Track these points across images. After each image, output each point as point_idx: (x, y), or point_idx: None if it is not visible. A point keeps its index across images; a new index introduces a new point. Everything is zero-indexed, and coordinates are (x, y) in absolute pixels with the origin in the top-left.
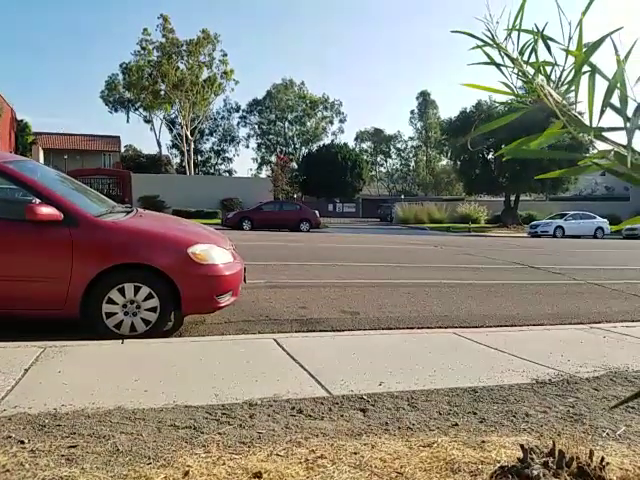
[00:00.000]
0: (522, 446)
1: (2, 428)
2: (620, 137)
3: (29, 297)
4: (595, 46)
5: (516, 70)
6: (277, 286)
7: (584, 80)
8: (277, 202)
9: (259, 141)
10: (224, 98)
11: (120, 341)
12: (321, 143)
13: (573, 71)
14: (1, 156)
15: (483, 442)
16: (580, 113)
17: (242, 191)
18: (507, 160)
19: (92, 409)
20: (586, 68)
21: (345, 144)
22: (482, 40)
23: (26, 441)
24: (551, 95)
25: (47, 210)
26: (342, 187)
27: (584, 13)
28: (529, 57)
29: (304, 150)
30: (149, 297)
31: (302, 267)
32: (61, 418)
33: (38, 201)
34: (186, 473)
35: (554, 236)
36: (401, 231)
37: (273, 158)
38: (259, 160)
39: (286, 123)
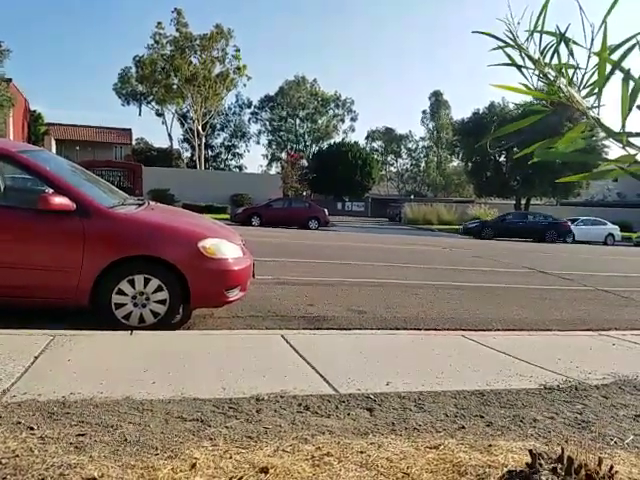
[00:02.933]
0: (531, 451)
1: (12, 414)
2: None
3: (39, 286)
4: (627, 50)
5: (537, 72)
6: (285, 283)
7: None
8: (286, 199)
9: (270, 138)
10: (236, 94)
11: (129, 332)
12: (332, 141)
13: (596, 74)
14: (15, 146)
15: (490, 446)
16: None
17: (252, 187)
18: (519, 163)
19: (100, 398)
20: (609, 69)
21: (356, 143)
22: (503, 41)
23: (35, 427)
24: (574, 98)
25: (60, 200)
26: (351, 186)
27: (608, 13)
28: (551, 59)
29: (314, 148)
30: (159, 289)
31: (310, 264)
32: (70, 406)
33: (51, 191)
34: (193, 465)
35: (564, 241)
36: (410, 232)
37: (283, 155)
38: (269, 157)
39: (297, 120)
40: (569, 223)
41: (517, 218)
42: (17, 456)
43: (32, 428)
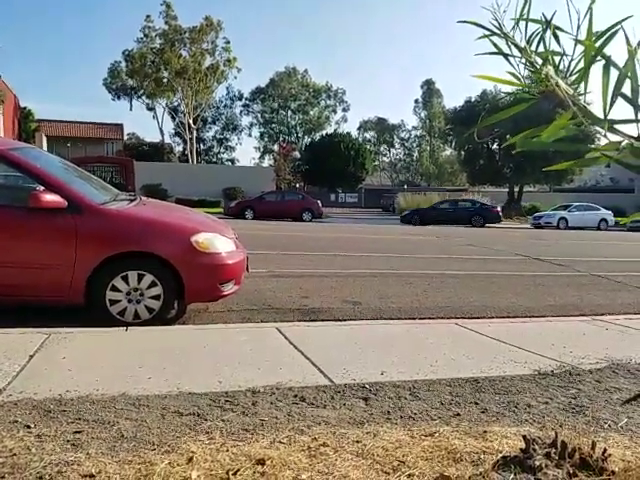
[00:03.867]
0: (524, 437)
1: (9, 413)
2: (629, 129)
3: (33, 284)
4: (608, 37)
5: (524, 60)
6: (279, 275)
7: (593, 70)
8: (279, 192)
9: (262, 130)
10: (227, 86)
11: (124, 328)
12: (324, 132)
13: (582, 61)
14: (5, 143)
15: (485, 432)
16: (587, 103)
17: (244, 180)
18: (512, 151)
19: (97, 395)
20: (597, 58)
21: (348, 133)
22: (489, 30)
23: (32, 426)
24: (559, 86)
25: (51, 197)
26: (345, 177)
27: (593, 0)
28: (537, 47)
29: (307, 139)
30: (153, 285)
31: (304, 257)
32: (66, 404)
33: (42, 188)
34: (190, 459)
35: (557, 227)
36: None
37: (276, 147)
38: (262, 149)
39: (289, 112)
40: (498, 208)
41: (448, 205)
42: (15, 454)
43: (29, 426)
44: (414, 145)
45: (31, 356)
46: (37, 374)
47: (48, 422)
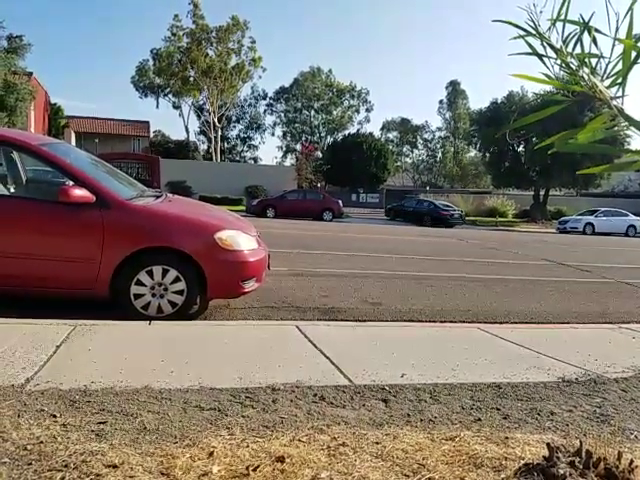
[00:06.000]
0: (548, 444)
1: (35, 402)
2: None
3: (60, 276)
4: None
5: (559, 61)
6: (300, 274)
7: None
8: (301, 191)
9: (285, 129)
10: (251, 85)
11: (147, 322)
12: (346, 132)
13: (620, 63)
14: (36, 138)
15: (507, 438)
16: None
17: (266, 179)
18: (538, 153)
19: (120, 387)
20: (634, 57)
21: (371, 133)
22: (524, 30)
23: (58, 415)
24: (596, 87)
25: (80, 192)
26: (366, 177)
27: (635, 1)
28: (573, 48)
29: (329, 139)
30: (176, 280)
31: (324, 256)
32: (91, 395)
33: (71, 183)
34: (211, 454)
35: (584, 233)
36: None
37: (298, 146)
38: (284, 148)
39: (312, 111)
40: (451, 213)
41: (414, 203)
42: (41, 442)
43: (55, 416)
44: (438, 146)
45: (58, 346)
46: (63, 364)
47: (73, 412)
